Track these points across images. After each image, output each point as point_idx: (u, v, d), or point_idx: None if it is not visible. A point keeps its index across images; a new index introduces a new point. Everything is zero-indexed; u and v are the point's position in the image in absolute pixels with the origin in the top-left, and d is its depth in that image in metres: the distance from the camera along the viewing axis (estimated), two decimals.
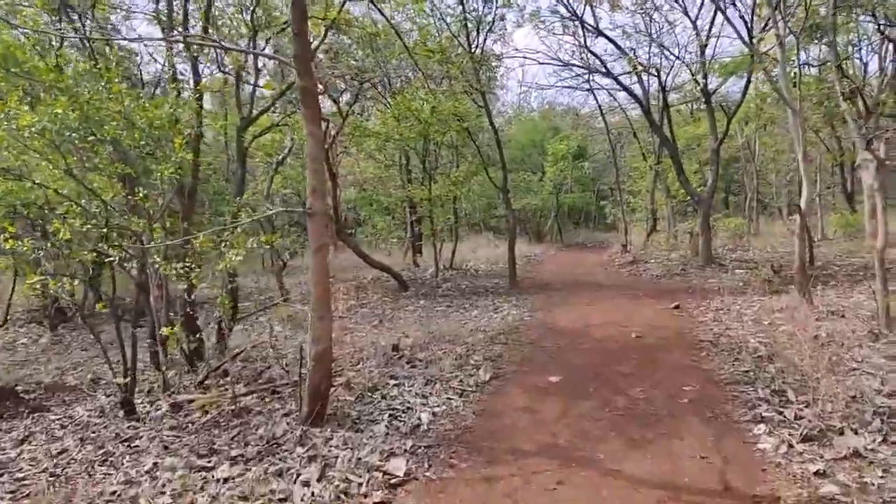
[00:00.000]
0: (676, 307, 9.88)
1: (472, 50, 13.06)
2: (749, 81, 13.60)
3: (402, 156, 18.04)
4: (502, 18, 13.03)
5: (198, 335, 6.94)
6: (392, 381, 6.11)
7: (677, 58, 15.33)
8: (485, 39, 13.09)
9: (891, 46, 13.54)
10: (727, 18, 11.53)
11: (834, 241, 17.40)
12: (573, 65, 16.08)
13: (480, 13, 12.62)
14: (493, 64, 14.00)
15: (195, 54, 7.99)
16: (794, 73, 8.77)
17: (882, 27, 9.98)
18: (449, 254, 17.78)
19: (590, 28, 14.70)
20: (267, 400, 5.65)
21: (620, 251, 19.28)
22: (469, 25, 13.10)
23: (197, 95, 7.64)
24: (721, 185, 26.15)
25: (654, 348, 7.15)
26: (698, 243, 15.29)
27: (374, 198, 20.13)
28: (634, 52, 14.32)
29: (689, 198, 16.85)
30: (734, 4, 11.19)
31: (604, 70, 15.23)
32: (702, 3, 15.03)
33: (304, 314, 5.94)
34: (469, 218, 30.60)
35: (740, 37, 10.07)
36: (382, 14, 9.04)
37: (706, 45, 14.04)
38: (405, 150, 16.55)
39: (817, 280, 11.47)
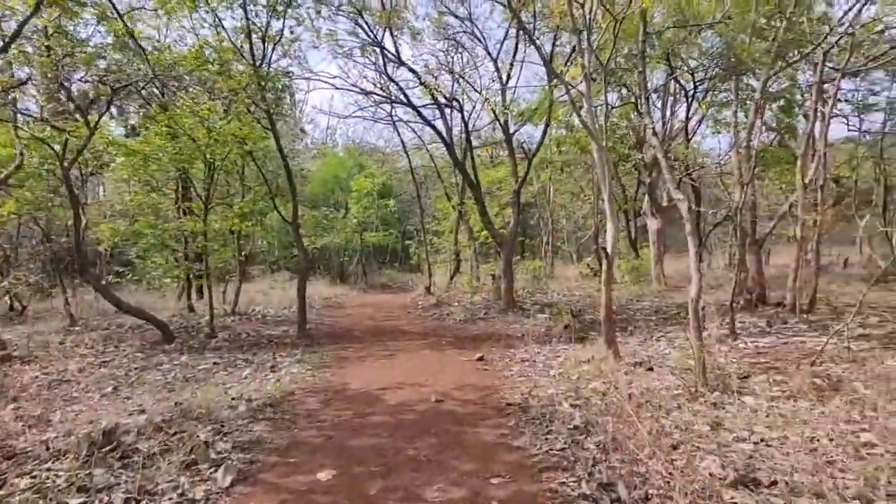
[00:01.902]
0: (481, 359, 8.86)
1: (258, 64, 11.28)
2: (548, 125, 13.52)
3: (179, 183, 15.42)
4: (292, 32, 11.41)
5: None
6: (76, 500, 4.02)
7: (479, 93, 14.95)
8: (272, 53, 11.38)
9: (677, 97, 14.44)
10: (532, 41, 11.18)
11: (622, 285, 18.15)
12: (373, 93, 14.99)
13: (265, 22, 10.92)
14: (282, 82, 12.29)
15: None
16: (601, 109, 8.53)
17: (674, 75, 10.19)
18: (234, 296, 15.44)
19: (391, 56, 13.74)
20: None
21: (424, 293, 18.40)
22: (254, 37, 11.33)
23: None
24: (518, 229, 26.88)
25: (457, 419, 5.85)
26: (500, 286, 14.81)
27: (142, 231, 17.01)
28: (437, 86, 13.63)
29: (491, 239, 16.52)
30: (534, 42, 10.77)
31: (405, 101, 14.31)
32: (503, 41, 14.83)
33: None
34: (266, 256, 28.07)
35: (545, 61, 9.55)
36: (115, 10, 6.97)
37: (507, 84, 13.82)
38: (184, 175, 14.04)
39: (615, 326, 11.32)
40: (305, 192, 28.42)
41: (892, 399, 5.35)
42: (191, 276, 15.15)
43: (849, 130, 28.80)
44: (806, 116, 15.17)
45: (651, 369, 7.27)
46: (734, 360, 7.51)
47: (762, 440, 4.76)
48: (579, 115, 7.28)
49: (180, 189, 15.47)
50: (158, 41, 13.46)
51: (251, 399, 6.77)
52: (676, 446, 4.59)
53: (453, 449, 4.97)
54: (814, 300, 10.78)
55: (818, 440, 4.63)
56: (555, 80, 10.60)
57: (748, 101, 12.80)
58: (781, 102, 14.78)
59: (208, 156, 12.20)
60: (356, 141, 33.97)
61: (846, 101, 17.08)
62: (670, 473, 3.94)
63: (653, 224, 17.10)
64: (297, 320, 12.03)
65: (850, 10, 10.32)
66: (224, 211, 13.17)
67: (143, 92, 12.97)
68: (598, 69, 8.53)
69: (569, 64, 11.62)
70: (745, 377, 6.64)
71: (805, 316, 10.39)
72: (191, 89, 12.39)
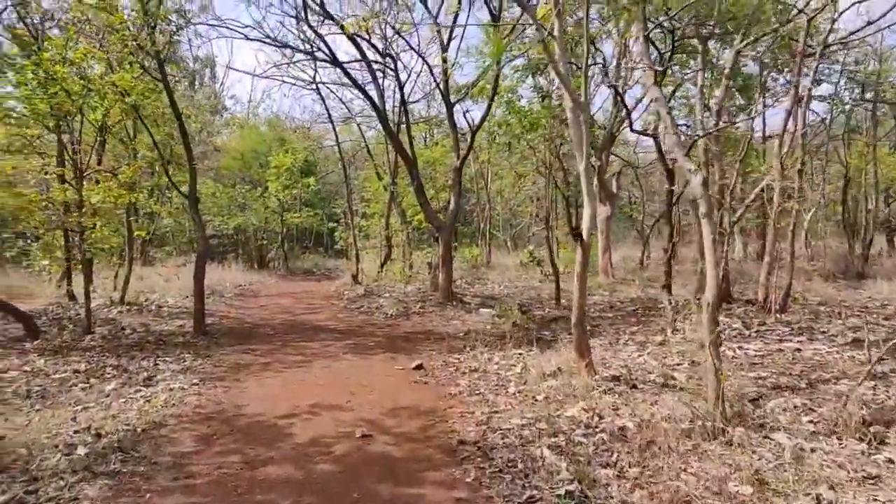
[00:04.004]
0: (419, 368, 7.17)
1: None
2: (495, 91, 11.86)
3: (62, 146, 12.74)
4: None
5: None
6: None
7: (417, 52, 13.03)
8: None
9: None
10: None
11: (565, 276, 16.87)
12: (291, 48, 12.78)
13: None
14: (175, 23, 10.03)
15: None
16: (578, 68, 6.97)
17: (648, 32, 8.72)
18: (123, 283, 13.01)
19: (314, 7, 11.62)
20: None
21: (351, 282, 16.47)
22: None
23: None
24: (458, 212, 25.34)
25: (393, 470, 4.13)
26: (438, 276, 13.13)
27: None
28: (368, 34, 11.59)
29: (427, 224, 14.84)
30: None
31: (329, 58, 12.23)
32: None
33: None
34: (176, 238, 25.22)
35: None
36: None
37: (448, 45, 12.05)
38: (68, 136, 11.44)
39: (570, 325, 9.92)
40: (220, 167, 25.77)
41: None
42: (70, 258, 12.61)
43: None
44: (763, 95, 14.33)
45: (635, 386, 5.78)
46: (730, 375, 6.14)
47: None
48: (553, 62, 5.63)
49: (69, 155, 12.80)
50: None
51: (101, 433, 4.80)
52: None
53: None
54: (787, 298, 9.70)
55: None
56: (509, 34, 8.94)
57: (714, 74, 11.63)
58: (739, 81, 13.77)
59: (86, 112, 9.85)
60: (279, 115, 31.34)
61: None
62: None
63: (602, 211, 15.87)
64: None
65: None
66: (107, 181, 10.75)
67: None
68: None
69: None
70: (756, 400, 5.25)
71: (780, 316, 9.28)
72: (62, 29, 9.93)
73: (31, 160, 11.24)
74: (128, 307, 12.21)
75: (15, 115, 9.08)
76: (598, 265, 16.28)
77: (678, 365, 6.77)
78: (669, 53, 10.09)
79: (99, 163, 13.47)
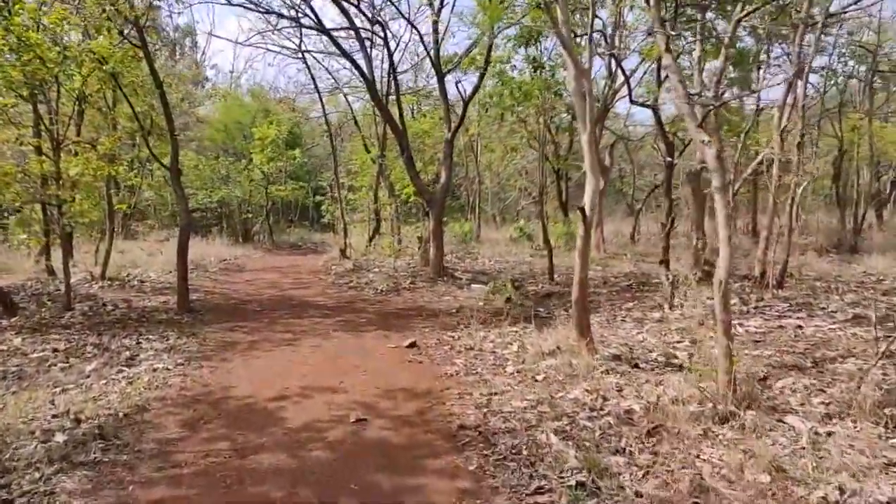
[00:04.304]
0: (412, 346, 6.96)
1: None
2: (488, 61, 11.46)
3: (38, 117, 12.18)
4: None
5: None
6: None
7: (410, 23, 12.52)
8: None
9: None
10: None
11: (558, 251, 16.69)
12: (276, 13, 12.19)
13: None
14: None
15: None
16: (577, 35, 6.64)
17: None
18: (104, 257, 12.60)
19: None
20: None
21: (339, 256, 16.18)
22: None
23: None
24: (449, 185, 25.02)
25: (391, 458, 3.92)
26: (428, 250, 12.86)
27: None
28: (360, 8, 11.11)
29: (416, 197, 14.52)
30: None
31: (316, 24, 11.71)
32: None
33: None
34: (158, 212, 24.65)
35: None
36: None
37: (441, 7, 11.60)
38: (45, 106, 10.90)
39: (565, 301, 9.75)
40: (203, 138, 25.16)
41: None
42: (49, 232, 12.16)
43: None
44: (759, 67, 14.06)
45: (637, 366, 5.60)
46: (736, 356, 5.99)
47: (850, 493, 3.16)
48: (555, 27, 5.32)
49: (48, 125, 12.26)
50: None
51: (81, 418, 4.53)
52: None
53: None
54: (784, 274, 9.56)
55: None
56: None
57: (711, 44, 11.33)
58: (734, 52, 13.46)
59: (62, 80, 9.39)
60: (263, 85, 30.58)
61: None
62: None
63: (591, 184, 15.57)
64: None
65: None
66: (85, 153, 10.28)
67: None
68: None
69: None
70: (764, 380, 5.09)
71: (777, 292, 9.15)
72: None
73: (5, 131, 10.72)
74: (109, 283, 11.84)
75: None
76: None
77: (678, 343, 6.62)
78: (672, 21, 9.75)
79: (78, 134, 12.96)
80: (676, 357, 5.94)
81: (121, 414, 4.63)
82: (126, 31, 9.22)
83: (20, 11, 8.55)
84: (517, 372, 5.67)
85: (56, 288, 10.81)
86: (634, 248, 17.04)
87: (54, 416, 4.52)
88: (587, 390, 4.86)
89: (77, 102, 11.73)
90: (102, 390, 5.27)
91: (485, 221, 26.89)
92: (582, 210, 5.68)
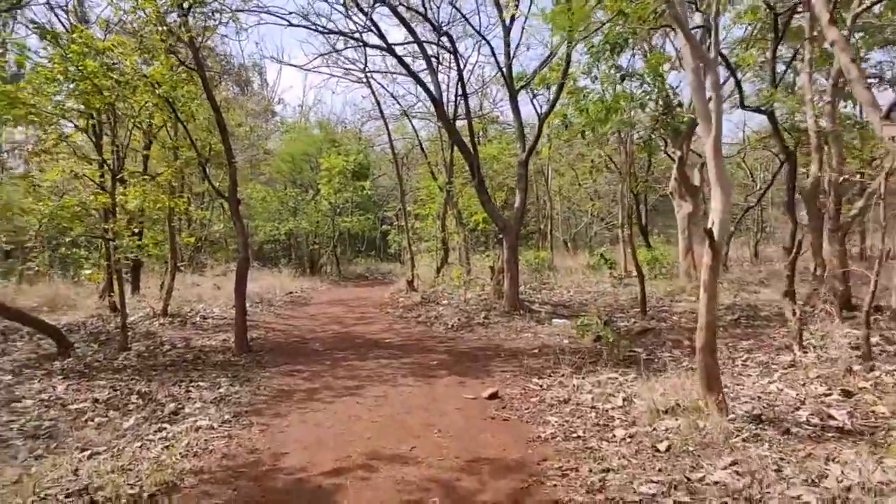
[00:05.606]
0: (494, 396, 5.91)
1: None
2: (567, 71, 10.45)
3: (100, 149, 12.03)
4: None
5: None
6: None
7: (481, 35, 11.70)
8: None
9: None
10: None
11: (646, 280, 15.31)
12: (340, 33, 11.66)
13: None
14: (210, 4, 9.07)
15: None
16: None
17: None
18: (165, 293, 12.22)
19: None
20: None
21: (406, 288, 15.36)
22: None
23: None
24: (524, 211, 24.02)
25: None
26: (502, 281, 11.82)
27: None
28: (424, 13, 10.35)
29: (486, 225, 13.57)
30: None
31: (382, 44, 11.06)
32: None
33: None
34: (229, 244, 24.74)
35: None
36: None
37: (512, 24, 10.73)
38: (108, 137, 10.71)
39: (664, 339, 8.50)
40: (271, 171, 25.23)
41: None
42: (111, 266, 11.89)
43: None
44: None
45: (788, 431, 4.35)
46: None
47: None
48: (671, 7, 4.27)
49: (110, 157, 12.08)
50: None
51: (97, 499, 3.73)
52: None
53: None
54: None
55: None
56: None
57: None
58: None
59: (118, 109, 9.07)
60: (330, 118, 30.64)
61: None
62: None
63: (683, 208, 14.23)
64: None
65: None
66: (142, 185, 9.88)
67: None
68: None
69: None
70: None
71: None
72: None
73: (65, 162, 10.50)
74: (170, 319, 11.42)
75: (36, 112, 8.23)
76: (674, 266, 14.66)
77: (827, 395, 5.30)
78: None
79: (145, 167, 12.78)
80: (833, 417, 4.65)
81: (145, 495, 3.79)
82: (181, 54, 8.81)
83: (77, 38, 8.27)
84: (630, 437, 4.52)
85: (117, 325, 10.42)
86: (728, 276, 15.42)
87: (67, 496, 3.74)
88: (734, 471, 3.68)
89: (144, 134, 11.52)
90: (134, 456, 4.48)
91: (556, 248, 25.64)
92: (709, 233, 4.51)
